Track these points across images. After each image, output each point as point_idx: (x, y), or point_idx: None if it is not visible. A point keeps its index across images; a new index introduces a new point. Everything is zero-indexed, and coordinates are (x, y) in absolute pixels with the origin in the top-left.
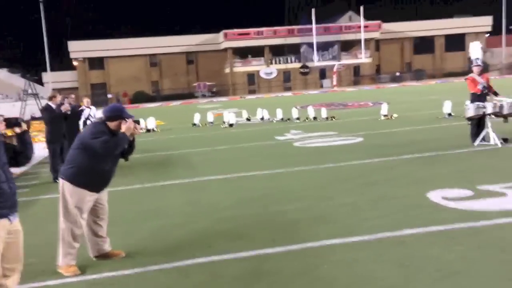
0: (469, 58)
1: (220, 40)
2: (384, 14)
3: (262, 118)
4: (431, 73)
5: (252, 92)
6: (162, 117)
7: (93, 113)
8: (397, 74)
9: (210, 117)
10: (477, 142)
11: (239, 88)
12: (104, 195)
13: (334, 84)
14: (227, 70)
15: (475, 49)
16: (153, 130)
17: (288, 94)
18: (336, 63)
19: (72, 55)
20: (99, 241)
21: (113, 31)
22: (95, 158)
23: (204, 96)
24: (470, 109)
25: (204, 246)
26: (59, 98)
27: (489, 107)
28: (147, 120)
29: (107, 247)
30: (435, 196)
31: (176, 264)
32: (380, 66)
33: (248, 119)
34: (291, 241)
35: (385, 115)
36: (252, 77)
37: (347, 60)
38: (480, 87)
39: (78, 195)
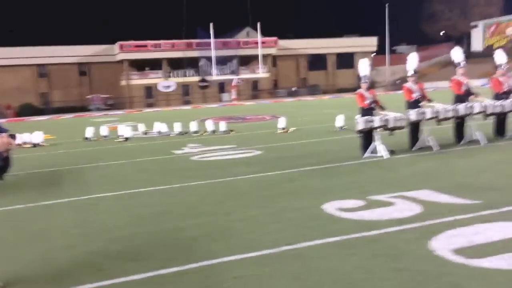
0: (358, 75)
1: (116, 51)
2: (280, 32)
3: (159, 132)
4: (324, 89)
5: (150, 105)
6: (52, 131)
7: None
8: (293, 89)
9: (104, 131)
10: (367, 154)
11: (136, 101)
12: None
13: (233, 98)
14: (124, 83)
15: (363, 66)
16: (40, 145)
17: (188, 107)
18: (234, 77)
19: None
20: None
21: None
22: None
23: (98, 109)
24: (360, 123)
25: (93, 270)
26: None
27: (376, 121)
28: (33, 134)
29: None
30: (331, 207)
31: None
32: (277, 81)
33: (145, 133)
34: (188, 260)
35: (282, 128)
36: (149, 90)
37: (246, 74)
38: (367, 102)
39: None
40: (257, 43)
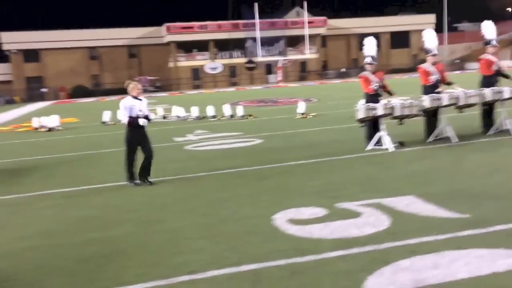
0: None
1: (163, 33)
2: (332, 11)
3: (178, 116)
4: (378, 69)
5: (197, 87)
6: (83, 113)
7: (144, 106)
8: (343, 70)
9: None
10: (369, 146)
11: (183, 83)
12: None
13: (279, 79)
14: (171, 65)
15: (369, 46)
16: (55, 129)
17: (232, 89)
18: (281, 58)
19: (5, 47)
20: None
21: (50, 22)
22: None
23: (146, 91)
24: (360, 111)
25: None
26: None
27: (379, 109)
28: (49, 118)
29: None
30: (283, 217)
31: None
32: (327, 62)
33: (164, 117)
34: None
35: (301, 114)
36: (196, 72)
37: (293, 55)
38: (372, 86)
39: None
40: (306, 23)
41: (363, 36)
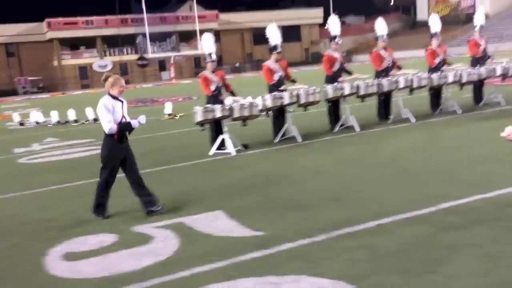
0: (208, 54)
1: (44, 30)
2: (225, 5)
3: (37, 122)
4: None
5: (86, 86)
6: None
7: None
8: (237, 65)
9: None
10: (213, 150)
11: (70, 83)
12: None
13: (172, 76)
14: (55, 63)
15: (207, 43)
16: None
17: None
18: (173, 54)
19: None
20: None
21: None
22: None
23: (26, 92)
24: (198, 113)
25: None
26: None
27: (217, 110)
28: None
29: None
30: (61, 250)
31: None
32: (222, 57)
33: (21, 124)
34: None
35: (169, 114)
36: (84, 70)
37: (187, 51)
38: (213, 86)
39: None
40: (198, 17)
41: (256, 30)
